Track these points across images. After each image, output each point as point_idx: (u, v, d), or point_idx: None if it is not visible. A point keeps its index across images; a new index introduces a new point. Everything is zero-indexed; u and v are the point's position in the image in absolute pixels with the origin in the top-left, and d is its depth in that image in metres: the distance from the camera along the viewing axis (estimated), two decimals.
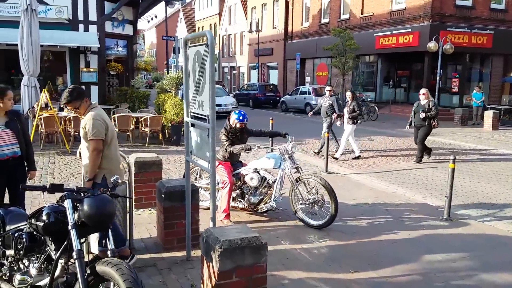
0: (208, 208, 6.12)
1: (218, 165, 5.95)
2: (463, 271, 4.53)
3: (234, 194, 6.11)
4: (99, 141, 4.15)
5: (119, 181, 3.65)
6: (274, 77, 37.57)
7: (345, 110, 11.25)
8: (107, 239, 3.17)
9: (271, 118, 12.11)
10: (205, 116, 3.93)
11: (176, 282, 4.07)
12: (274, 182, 5.93)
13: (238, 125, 6.00)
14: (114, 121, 11.71)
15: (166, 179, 5.46)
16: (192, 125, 4.36)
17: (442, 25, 20.94)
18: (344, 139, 11.17)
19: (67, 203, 3.05)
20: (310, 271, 4.46)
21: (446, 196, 6.27)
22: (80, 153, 4.50)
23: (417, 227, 5.88)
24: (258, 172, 6.00)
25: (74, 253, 2.89)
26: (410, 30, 22.05)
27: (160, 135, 12.04)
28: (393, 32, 23.14)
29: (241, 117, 5.98)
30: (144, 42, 76.93)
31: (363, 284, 4.21)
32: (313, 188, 5.76)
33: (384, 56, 25.35)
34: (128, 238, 4.84)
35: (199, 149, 4.24)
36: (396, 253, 4.97)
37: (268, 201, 5.94)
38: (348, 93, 11.46)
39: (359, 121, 11.53)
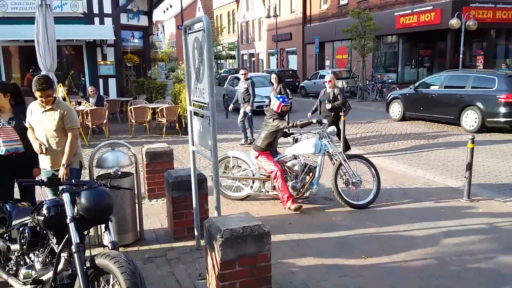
0: (243, 199, 6.25)
1: (258, 155, 5.96)
2: (480, 254, 4.35)
3: (268, 183, 6.09)
4: (78, 129, 4.46)
5: (119, 172, 3.61)
6: (293, 62, 37.19)
7: (272, 94, 9.99)
8: (107, 231, 3.15)
9: None
10: (205, 104, 3.86)
11: (184, 271, 4.05)
12: (315, 167, 5.94)
13: (284, 109, 6.07)
14: (131, 112, 11.79)
15: (174, 169, 5.43)
16: (196, 114, 4.30)
17: (464, 1, 20.21)
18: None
19: (65, 197, 3.04)
20: (321, 257, 4.36)
21: (465, 177, 6.04)
22: (41, 147, 4.31)
23: (436, 209, 5.70)
24: (298, 159, 6.00)
25: (73, 247, 2.89)
26: (431, 7, 21.39)
27: (177, 125, 12.06)
28: (414, 10, 22.49)
29: (286, 100, 6.13)
30: (164, 33, 77.31)
31: (375, 269, 4.09)
32: (357, 169, 5.97)
33: (405, 35, 24.68)
34: (138, 229, 4.86)
35: (202, 138, 4.18)
36: (412, 238, 4.82)
37: (310, 186, 5.93)
38: (273, 76, 10.45)
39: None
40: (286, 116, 6.50)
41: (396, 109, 14.58)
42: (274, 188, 5.95)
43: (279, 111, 6.01)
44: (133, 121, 11.80)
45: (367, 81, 23.76)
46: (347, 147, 9.24)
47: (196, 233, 4.56)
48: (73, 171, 4.38)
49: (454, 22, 17.81)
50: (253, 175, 6.10)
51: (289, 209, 5.70)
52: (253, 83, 10.83)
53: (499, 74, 12.24)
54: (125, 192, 4.56)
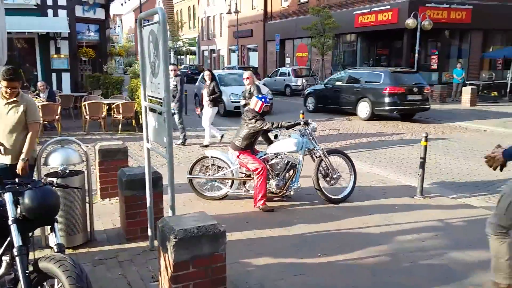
0: (221, 198, 6.12)
1: (239, 154, 5.84)
2: (432, 250, 4.46)
3: (250, 182, 6.01)
4: (39, 124, 4.43)
5: (67, 170, 3.45)
6: (254, 59, 37.25)
7: (204, 91, 9.97)
8: (53, 233, 2.99)
9: None
10: (161, 99, 3.74)
11: (136, 274, 3.92)
12: (296, 164, 5.94)
13: (266, 109, 6.01)
14: (85, 108, 11.39)
15: (128, 167, 5.26)
16: (151, 109, 4.17)
17: (420, 1, 20.82)
18: (206, 124, 10.05)
19: (7, 197, 2.87)
20: (278, 256, 4.34)
21: (418, 174, 6.19)
22: None
23: (390, 207, 5.80)
24: (280, 157, 5.98)
25: (14, 250, 2.73)
26: (389, 7, 21.91)
27: (134, 121, 11.75)
28: (372, 9, 22.98)
29: (267, 99, 6.08)
30: (122, 27, 75.50)
31: (330, 267, 4.11)
32: (335, 164, 6.09)
33: (364, 34, 25.18)
34: (89, 230, 4.68)
35: (157, 135, 4.06)
36: (367, 235, 4.88)
37: (291, 184, 5.92)
38: (206, 73, 10.14)
39: (221, 103, 10.46)
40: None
41: (310, 102, 16.77)
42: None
43: (261, 111, 5.94)
44: (87, 117, 11.40)
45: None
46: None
47: (149, 234, 4.43)
48: (30, 167, 4.33)
49: (410, 22, 18.32)
50: (233, 175, 6.02)
51: (259, 208, 5.66)
52: (183, 80, 10.37)
53: (385, 71, 14.66)
54: (75, 192, 4.37)
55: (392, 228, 5.04)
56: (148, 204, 4.38)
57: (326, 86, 16.20)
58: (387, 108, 13.75)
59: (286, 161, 5.97)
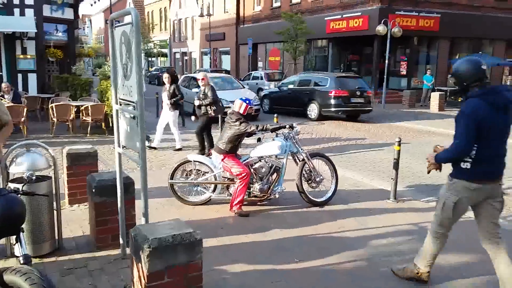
0: (204, 203, 5.96)
1: (224, 158, 5.72)
2: (408, 254, 4.45)
3: (233, 186, 5.88)
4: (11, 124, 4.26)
5: (33, 177, 3.27)
6: (226, 63, 37.15)
7: (164, 94, 9.65)
8: (18, 243, 2.81)
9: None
10: (133, 102, 3.60)
11: (107, 283, 3.76)
12: (279, 168, 5.89)
13: (250, 111, 5.96)
14: (52, 110, 11.01)
15: (97, 173, 5.07)
16: (123, 113, 4.02)
17: (390, 9, 21.23)
18: (161, 126, 9.76)
19: None
20: (255, 263, 4.26)
21: (392, 178, 6.24)
22: None
23: (365, 211, 5.81)
24: (264, 160, 5.90)
25: None
26: (360, 13, 22.23)
27: (103, 124, 11.45)
28: (344, 15, 23.27)
29: (251, 101, 5.99)
30: (91, 27, 74.01)
31: (309, 273, 4.06)
32: (317, 167, 6.12)
33: (335, 40, 25.50)
34: (57, 238, 4.48)
35: (129, 139, 3.91)
36: (343, 240, 4.86)
37: (274, 188, 5.86)
38: (166, 75, 9.73)
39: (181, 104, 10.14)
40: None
41: (266, 103, 17.79)
42: None
43: (245, 114, 5.86)
44: (55, 119, 11.03)
45: None
46: (211, 145, 8.85)
47: (121, 241, 4.27)
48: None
49: (380, 29, 18.63)
50: (216, 179, 5.90)
51: (234, 212, 5.60)
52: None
53: (330, 75, 16.25)
54: (42, 199, 4.17)
55: (368, 233, 5.04)
56: (119, 211, 4.23)
57: (280, 89, 17.53)
58: (332, 109, 15.05)
59: (270, 165, 5.91)
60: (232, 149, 5.80)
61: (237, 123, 5.73)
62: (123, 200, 4.23)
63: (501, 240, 3.60)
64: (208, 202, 5.98)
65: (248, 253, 4.47)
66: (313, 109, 15.54)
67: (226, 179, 5.92)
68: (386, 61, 19.28)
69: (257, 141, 6.29)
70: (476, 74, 3.43)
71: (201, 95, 8.87)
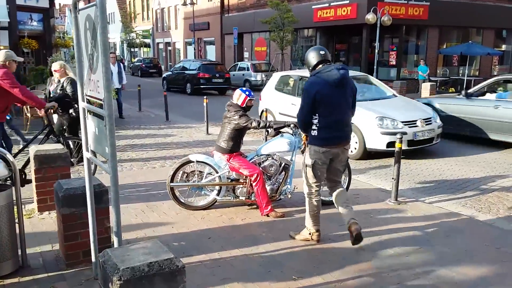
0: (208, 207, 5.40)
1: (229, 158, 5.21)
2: (418, 267, 3.99)
3: (241, 187, 5.40)
4: None
5: None
6: (211, 53, 36.38)
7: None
8: None
9: (205, 97, 11.18)
10: (100, 100, 3.03)
11: None
12: (289, 165, 5.41)
13: (249, 103, 5.38)
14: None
15: (66, 180, 4.47)
16: (90, 112, 3.43)
17: None
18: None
19: None
20: (247, 280, 3.73)
21: (393, 178, 5.76)
22: None
23: (365, 215, 5.31)
24: (273, 158, 5.39)
25: None
26: (348, 1, 21.70)
27: None
28: (331, 4, 22.71)
29: (251, 93, 5.42)
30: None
31: None
32: None
33: (323, 29, 24.94)
34: (20, 254, 3.90)
35: (98, 143, 3.33)
36: (344, 250, 4.35)
37: (283, 187, 5.39)
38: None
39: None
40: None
41: (165, 84, 23.99)
42: (249, 193, 5.31)
43: (244, 105, 5.30)
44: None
45: None
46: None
47: (93, 259, 3.71)
48: None
49: (370, 17, 18.13)
50: (221, 181, 5.37)
51: (267, 216, 5.15)
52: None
53: (198, 62, 23.24)
54: (1, 211, 3.59)
55: (371, 241, 4.54)
56: (90, 225, 3.65)
57: (172, 72, 24.44)
58: (201, 87, 21.46)
59: (279, 163, 5.41)
60: (235, 147, 5.29)
61: (236, 116, 5.19)
62: (94, 211, 3.66)
63: (339, 185, 4.49)
64: (212, 205, 5.46)
65: (239, 269, 3.94)
66: (188, 87, 22.19)
67: (230, 180, 5.40)
68: (376, 51, 18.80)
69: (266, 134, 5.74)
70: (316, 58, 4.23)
71: (58, 90, 6.99)
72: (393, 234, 4.73)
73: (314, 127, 4.15)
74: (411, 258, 4.19)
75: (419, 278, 3.80)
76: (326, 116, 4.09)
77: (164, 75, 25.50)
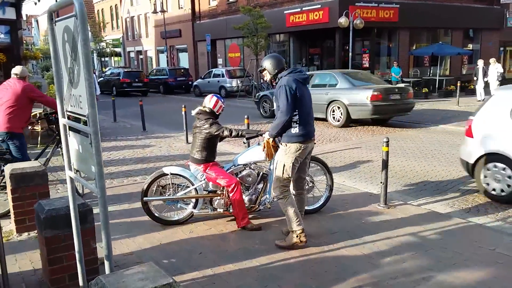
0: (185, 221, 5.19)
1: (205, 169, 5.04)
2: (416, 274, 3.92)
3: (218, 199, 5.20)
4: None
5: None
6: (184, 60, 36.04)
7: None
8: None
9: (183, 106, 10.97)
10: (84, 116, 2.83)
11: None
12: (268, 175, 5.22)
13: (221, 109, 5.25)
14: None
15: (47, 199, 4.23)
16: (71, 128, 3.23)
17: (350, 0, 20.89)
18: None
19: None
20: None
21: (381, 182, 5.71)
22: None
23: (356, 221, 5.24)
24: (251, 168, 5.22)
25: None
26: (319, 6, 21.82)
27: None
28: (303, 8, 22.80)
29: (222, 99, 5.31)
30: (38, 28, 70.53)
31: None
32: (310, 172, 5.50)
33: (296, 34, 25.01)
34: (1, 278, 3.64)
35: (82, 162, 3.13)
36: (340, 260, 4.25)
37: (263, 197, 5.24)
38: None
39: None
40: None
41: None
42: (227, 204, 5.12)
43: (215, 108, 5.14)
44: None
45: (262, 80, 23.61)
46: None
47: (81, 283, 3.48)
48: None
49: (343, 21, 18.27)
50: (197, 193, 5.16)
51: (243, 228, 4.99)
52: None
53: (122, 70, 27.61)
54: None
55: (366, 249, 4.45)
56: (76, 247, 3.43)
57: (107, 77, 28.90)
58: (125, 90, 26.80)
59: (257, 172, 5.25)
60: (210, 156, 5.12)
61: (207, 125, 5.02)
62: (79, 233, 3.44)
63: (304, 192, 4.85)
64: (188, 219, 5.25)
65: (236, 286, 3.77)
66: (114, 90, 25.82)
67: (207, 192, 5.22)
68: (350, 54, 18.93)
69: (244, 143, 5.60)
70: (282, 63, 4.61)
71: None
72: (387, 240, 4.66)
73: (294, 124, 4.35)
74: (409, 264, 4.11)
75: (419, 285, 3.72)
76: (304, 112, 4.39)
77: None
